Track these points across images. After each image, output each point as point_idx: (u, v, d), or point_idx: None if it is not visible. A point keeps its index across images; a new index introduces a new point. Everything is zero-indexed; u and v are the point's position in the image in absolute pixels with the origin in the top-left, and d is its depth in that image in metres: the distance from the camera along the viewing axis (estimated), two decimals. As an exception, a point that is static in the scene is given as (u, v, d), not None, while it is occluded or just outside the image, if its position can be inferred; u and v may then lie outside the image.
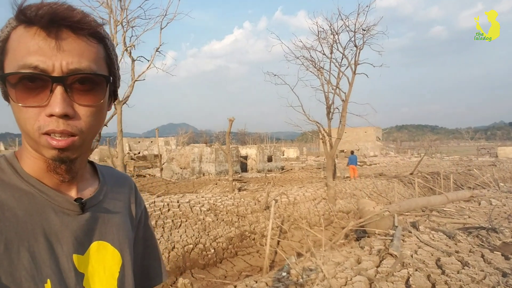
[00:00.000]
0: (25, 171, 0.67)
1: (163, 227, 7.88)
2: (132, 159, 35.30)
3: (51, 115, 0.60)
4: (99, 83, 0.66)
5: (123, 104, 11.95)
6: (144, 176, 21.67)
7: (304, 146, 68.38)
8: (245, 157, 27.46)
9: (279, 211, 10.37)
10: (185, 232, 8.00)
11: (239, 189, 14.27)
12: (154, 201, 8.90)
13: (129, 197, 0.91)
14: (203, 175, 23.52)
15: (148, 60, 12.25)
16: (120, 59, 11.85)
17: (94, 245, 0.73)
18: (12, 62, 0.60)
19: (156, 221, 7.99)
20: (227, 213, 9.41)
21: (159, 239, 7.47)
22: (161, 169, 22.68)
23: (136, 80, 11.99)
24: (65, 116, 0.61)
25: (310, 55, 13.06)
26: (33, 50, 0.59)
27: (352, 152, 20.53)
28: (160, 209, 8.51)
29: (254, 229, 9.19)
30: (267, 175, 22.88)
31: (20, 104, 0.61)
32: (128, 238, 0.85)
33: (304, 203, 11.43)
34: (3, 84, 0.63)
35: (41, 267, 0.61)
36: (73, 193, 0.73)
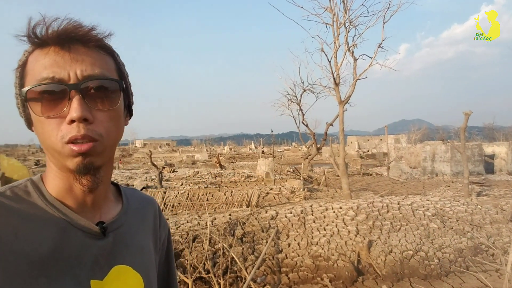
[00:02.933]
0: (49, 194, 0.69)
1: (380, 229, 7.60)
2: (361, 157, 35.69)
3: (71, 121, 0.63)
4: (113, 89, 0.69)
5: (345, 103, 12.22)
6: (370, 175, 21.50)
7: None
8: (491, 156, 23.23)
9: (532, 224, 8.27)
10: (405, 236, 7.46)
11: (478, 194, 12.20)
12: (373, 201, 8.69)
13: (153, 220, 0.91)
14: (436, 175, 21.32)
15: (370, 58, 12.09)
16: (342, 60, 12.19)
17: (115, 269, 0.73)
18: (31, 80, 0.64)
19: (374, 222, 7.78)
20: (457, 220, 8.22)
21: (375, 241, 7.26)
22: (388, 168, 21.96)
23: (357, 79, 12.03)
24: (84, 121, 0.63)
25: None
26: (48, 64, 0.63)
27: None
28: (378, 210, 8.25)
29: (493, 243, 7.66)
30: (522, 178, 18.63)
31: (42, 116, 0.64)
32: (151, 262, 0.84)
33: None
34: (24, 107, 0.68)
35: None
36: (96, 216, 0.74)
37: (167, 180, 16.88)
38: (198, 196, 10.50)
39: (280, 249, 7.13)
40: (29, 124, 0.69)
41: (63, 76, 0.63)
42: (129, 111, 0.79)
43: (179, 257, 6.50)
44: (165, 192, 10.25)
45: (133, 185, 14.07)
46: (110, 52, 0.72)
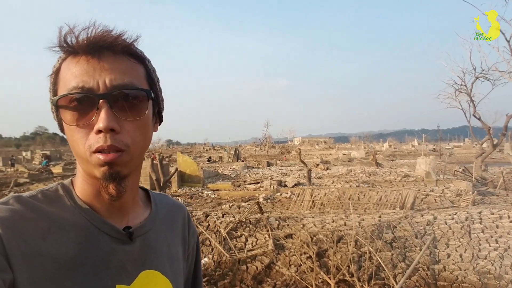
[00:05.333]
0: (78, 198, 0.71)
1: None
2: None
3: (99, 131, 0.63)
4: (141, 98, 0.68)
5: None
6: None
7: None
8: None
9: None
10: None
11: None
12: None
13: (182, 226, 0.90)
14: None
15: None
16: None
17: (143, 274, 0.72)
18: (63, 88, 0.66)
19: None
20: None
21: None
22: None
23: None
24: (111, 131, 0.63)
25: None
26: (79, 74, 0.64)
27: None
28: None
29: None
30: None
31: (71, 125, 0.65)
32: (180, 268, 0.83)
33: None
34: (57, 112, 0.69)
35: None
36: (123, 221, 0.74)
37: (320, 178, 16.97)
38: (350, 195, 10.21)
39: (437, 259, 6.31)
40: (62, 128, 0.71)
41: (92, 85, 0.64)
42: (159, 117, 0.79)
43: (322, 256, 6.42)
44: (313, 190, 10.31)
45: (285, 181, 14.63)
46: (141, 59, 0.72)
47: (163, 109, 0.80)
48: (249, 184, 15.85)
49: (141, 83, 0.69)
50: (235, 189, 14.41)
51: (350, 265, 6.05)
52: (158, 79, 0.76)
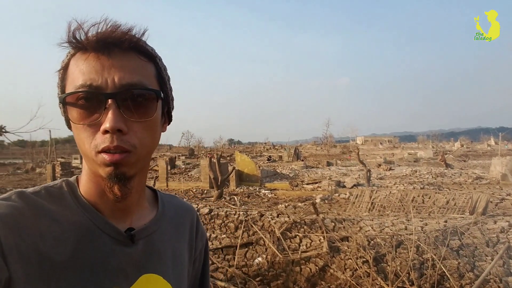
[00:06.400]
0: (82, 196, 0.70)
1: None
2: None
3: (105, 131, 0.61)
4: (150, 98, 0.67)
5: None
6: None
7: None
8: None
9: None
10: None
11: None
12: None
13: (189, 229, 0.88)
14: None
15: None
16: None
17: (144, 278, 0.70)
18: (71, 85, 0.64)
19: None
20: None
21: None
22: None
23: None
24: (118, 131, 0.61)
25: None
26: (87, 71, 0.62)
27: None
28: None
29: None
30: None
31: (78, 124, 0.64)
32: (184, 272, 0.81)
33: None
34: (64, 109, 0.67)
35: None
36: (127, 222, 0.72)
37: (381, 179, 16.28)
38: (413, 198, 9.65)
39: (511, 270, 5.71)
40: (69, 125, 0.70)
41: (101, 83, 0.62)
42: (168, 117, 0.77)
43: (380, 262, 6.11)
44: (372, 191, 9.89)
45: (344, 182, 14.22)
46: (151, 57, 0.70)
47: (172, 109, 0.78)
48: (307, 184, 15.65)
49: (151, 82, 0.68)
50: (292, 189, 14.32)
51: (410, 272, 5.69)
52: (169, 77, 0.75)
